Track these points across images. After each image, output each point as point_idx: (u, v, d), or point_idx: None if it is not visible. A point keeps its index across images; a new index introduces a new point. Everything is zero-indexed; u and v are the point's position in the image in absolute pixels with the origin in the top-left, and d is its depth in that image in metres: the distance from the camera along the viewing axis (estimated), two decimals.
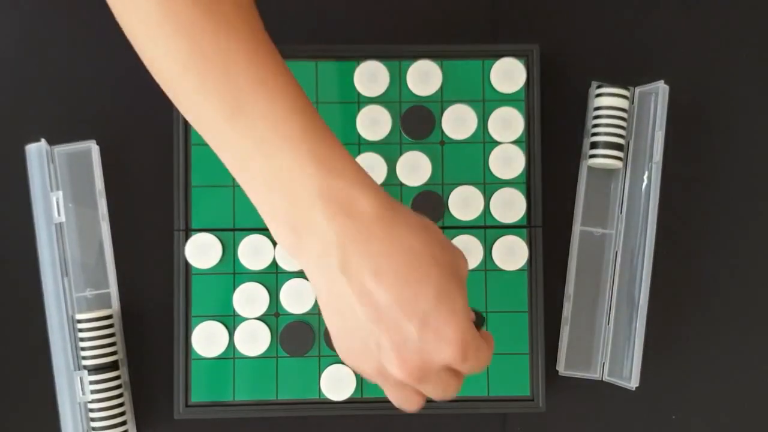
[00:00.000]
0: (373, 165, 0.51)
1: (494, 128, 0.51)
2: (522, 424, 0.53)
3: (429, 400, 0.50)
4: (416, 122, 0.51)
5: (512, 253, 0.51)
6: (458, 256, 0.39)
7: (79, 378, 0.50)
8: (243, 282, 0.50)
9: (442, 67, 0.51)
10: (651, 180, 0.51)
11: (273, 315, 0.51)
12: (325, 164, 0.37)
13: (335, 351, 0.39)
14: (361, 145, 0.51)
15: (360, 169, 0.38)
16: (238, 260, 0.50)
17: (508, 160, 0.51)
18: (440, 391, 0.38)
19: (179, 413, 0.50)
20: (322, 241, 0.36)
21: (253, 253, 0.50)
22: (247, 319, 0.50)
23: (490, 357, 0.39)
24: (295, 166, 0.36)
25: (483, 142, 0.52)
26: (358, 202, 0.37)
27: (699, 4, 0.55)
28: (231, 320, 0.50)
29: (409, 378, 0.37)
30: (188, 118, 0.39)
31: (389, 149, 0.51)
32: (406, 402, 0.40)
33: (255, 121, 0.37)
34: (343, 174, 0.37)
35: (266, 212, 0.38)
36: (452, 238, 0.51)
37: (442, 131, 0.51)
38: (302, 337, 0.50)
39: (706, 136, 0.54)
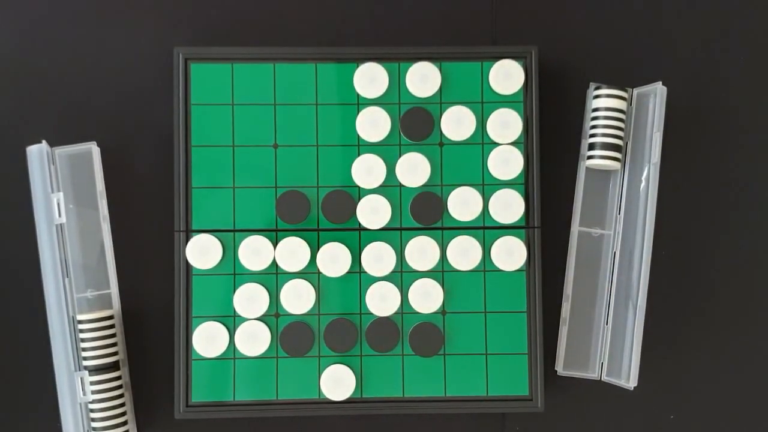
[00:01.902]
0: (373, 166, 0.51)
1: (493, 129, 0.52)
2: (521, 423, 0.53)
3: (424, 401, 0.51)
4: (415, 124, 0.51)
5: (511, 254, 0.51)
6: None
7: (79, 378, 0.50)
8: (243, 283, 0.51)
9: (440, 69, 0.51)
10: (649, 181, 0.51)
11: (273, 315, 0.51)
12: None
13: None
14: (360, 147, 0.51)
15: None
16: (238, 261, 0.51)
17: (507, 161, 0.51)
18: None
19: (180, 413, 0.50)
20: None
21: (253, 254, 0.50)
22: (247, 319, 0.51)
23: None
24: None
25: (482, 143, 0.52)
26: None
27: (697, 5, 0.55)
28: (231, 321, 0.51)
29: None
30: None
31: (388, 150, 0.51)
32: None
33: None
34: None
35: None
36: (451, 239, 0.51)
37: (441, 132, 0.52)
38: (302, 338, 0.51)
39: (705, 138, 0.54)
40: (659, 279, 0.53)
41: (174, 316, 0.50)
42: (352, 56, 0.52)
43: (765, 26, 0.55)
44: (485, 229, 0.52)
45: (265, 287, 0.51)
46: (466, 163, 0.52)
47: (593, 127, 0.52)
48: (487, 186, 0.52)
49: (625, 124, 0.52)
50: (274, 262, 0.51)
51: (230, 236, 0.51)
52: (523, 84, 0.52)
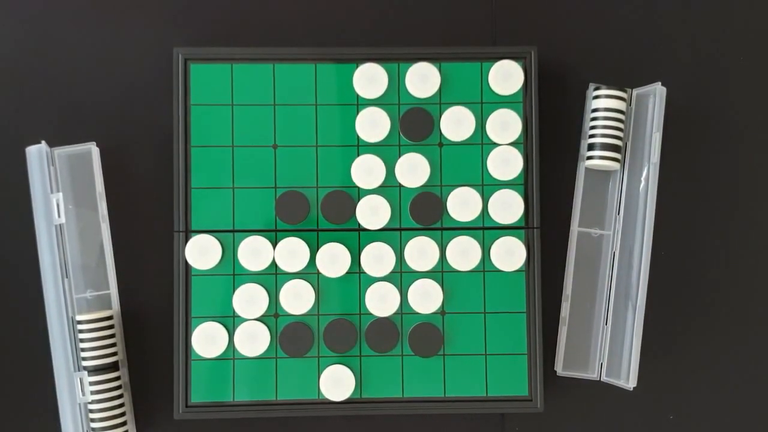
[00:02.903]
0: (372, 167, 0.51)
1: (492, 130, 0.52)
2: (520, 424, 0.53)
3: (424, 401, 0.51)
4: (415, 124, 0.51)
5: (510, 254, 0.51)
6: None
7: (79, 379, 0.50)
8: (243, 283, 0.51)
9: (440, 70, 0.52)
10: (648, 181, 0.51)
11: (272, 316, 0.51)
12: None
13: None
14: (360, 147, 0.51)
15: None
16: (237, 261, 0.51)
17: (506, 162, 0.51)
18: None
19: (179, 414, 0.50)
20: None
21: (252, 254, 0.50)
22: (246, 320, 0.51)
23: None
24: None
25: (481, 143, 0.52)
26: None
27: (697, 6, 0.55)
28: (231, 321, 0.51)
29: None
30: None
31: (388, 151, 0.52)
32: None
33: None
34: None
35: None
36: (450, 240, 0.51)
37: (441, 133, 0.52)
38: (301, 338, 0.51)
39: (704, 138, 0.54)
40: (659, 279, 0.53)
41: (173, 316, 0.50)
42: (351, 56, 0.52)
43: (764, 26, 0.55)
44: (485, 230, 0.52)
45: (264, 287, 0.51)
46: (466, 163, 0.52)
47: (593, 127, 0.52)
48: (487, 186, 0.52)
49: (624, 125, 0.52)
50: (273, 262, 0.51)
51: (230, 237, 0.51)
52: (523, 84, 0.52)
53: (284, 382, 0.51)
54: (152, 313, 0.52)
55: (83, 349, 0.50)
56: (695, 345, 0.54)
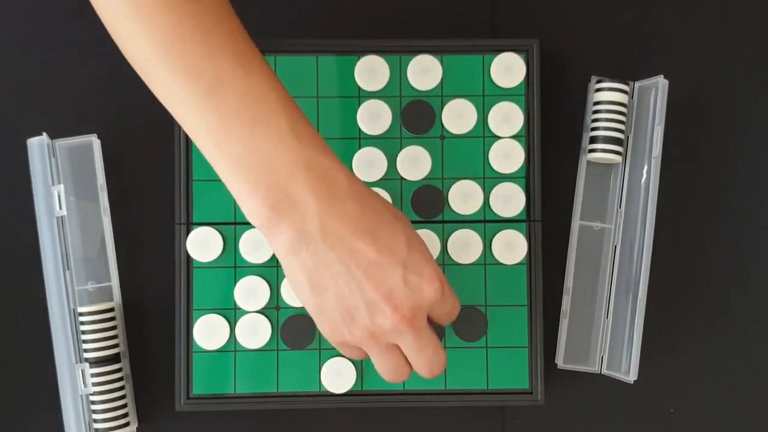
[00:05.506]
0: (373, 159, 0.51)
1: (494, 123, 0.51)
2: (521, 417, 0.53)
3: (425, 394, 0.51)
4: (416, 117, 0.51)
5: (511, 248, 0.51)
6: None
7: (80, 371, 0.50)
8: (244, 275, 0.51)
9: (442, 62, 0.51)
10: (650, 174, 0.51)
11: (273, 308, 0.51)
12: (303, 138, 0.39)
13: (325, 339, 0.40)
14: (361, 140, 0.51)
15: (329, 147, 0.41)
16: (239, 254, 0.51)
17: (508, 155, 0.51)
18: (430, 350, 0.41)
19: (180, 405, 0.50)
20: (301, 212, 0.38)
21: (253, 246, 0.50)
22: (247, 312, 0.51)
23: (458, 307, 0.43)
24: (275, 140, 0.39)
25: (483, 136, 0.52)
26: (336, 173, 0.39)
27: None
28: (232, 313, 0.51)
29: (404, 322, 0.40)
30: (165, 102, 0.40)
31: (389, 144, 0.51)
32: (396, 368, 0.42)
33: (234, 97, 0.38)
34: (320, 148, 0.40)
35: (242, 192, 0.39)
36: (452, 233, 0.51)
37: (442, 126, 0.52)
38: (303, 330, 0.51)
39: (706, 131, 0.54)
40: (660, 272, 0.53)
41: (174, 308, 0.51)
42: (353, 49, 0.51)
43: (766, 19, 0.55)
44: (486, 223, 0.52)
45: (265, 280, 0.51)
46: (467, 156, 0.52)
47: (594, 120, 0.52)
48: (488, 179, 0.52)
49: (626, 118, 0.52)
50: (274, 254, 0.51)
51: (231, 229, 0.51)
52: (525, 77, 0.52)
53: (285, 375, 0.51)
54: (153, 305, 0.52)
55: (85, 341, 0.50)
56: (696, 338, 0.54)
